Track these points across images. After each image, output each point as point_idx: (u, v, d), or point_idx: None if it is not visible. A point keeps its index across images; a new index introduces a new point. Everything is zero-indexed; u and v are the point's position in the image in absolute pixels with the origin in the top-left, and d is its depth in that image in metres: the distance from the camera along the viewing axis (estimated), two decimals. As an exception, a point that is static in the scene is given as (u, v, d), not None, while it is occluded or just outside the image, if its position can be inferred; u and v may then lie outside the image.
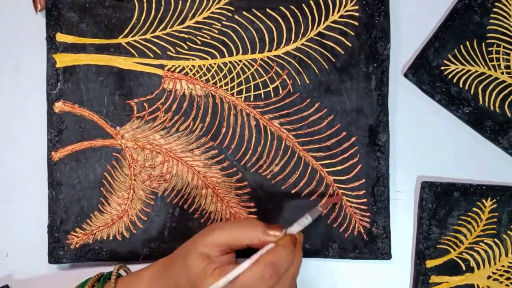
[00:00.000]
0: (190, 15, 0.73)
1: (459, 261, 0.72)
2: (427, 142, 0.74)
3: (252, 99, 0.73)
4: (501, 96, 0.73)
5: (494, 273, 0.72)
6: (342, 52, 0.73)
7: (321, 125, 0.73)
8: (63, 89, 0.72)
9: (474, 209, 0.72)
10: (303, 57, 0.73)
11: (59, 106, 0.72)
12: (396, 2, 0.74)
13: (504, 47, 0.73)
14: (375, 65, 0.73)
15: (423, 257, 0.72)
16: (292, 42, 0.73)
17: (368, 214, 0.73)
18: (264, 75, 0.73)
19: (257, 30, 0.73)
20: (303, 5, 0.73)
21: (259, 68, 0.73)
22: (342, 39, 0.73)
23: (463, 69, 0.73)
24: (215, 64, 0.73)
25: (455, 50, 0.73)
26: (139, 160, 0.72)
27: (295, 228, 0.61)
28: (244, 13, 0.73)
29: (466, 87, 0.73)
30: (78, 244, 0.72)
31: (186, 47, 0.73)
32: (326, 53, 0.73)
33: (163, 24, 0.73)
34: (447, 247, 0.72)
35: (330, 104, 0.73)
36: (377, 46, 0.73)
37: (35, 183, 0.73)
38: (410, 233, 0.74)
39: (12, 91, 0.74)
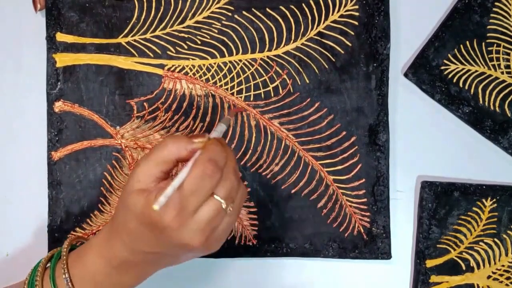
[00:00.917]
0: (190, 14, 0.73)
1: (459, 260, 0.72)
2: (427, 142, 0.74)
3: (252, 98, 0.73)
4: (501, 95, 0.73)
5: (494, 273, 0.72)
6: (342, 52, 0.73)
7: (321, 124, 0.73)
8: (63, 88, 0.72)
9: (474, 208, 0.72)
10: (303, 56, 0.73)
11: (59, 105, 0.72)
12: (396, 2, 0.74)
13: (504, 47, 0.73)
14: (375, 64, 0.73)
15: (423, 256, 0.72)
16: (292, 41, 0.73)
17: (368, 213, 0.73)
18: (264, 74, 0.73)
19: (257, 30, 0.73)
20: (303, 4, 0.73)
21: (259, 67, 0.73)
22: (342, 38, 0.73)
23: (463, 69, 0.73)
24: (215, 63, 0.73)
25: (455, 49, 0.73)
26: (139, 159, 0.72)
27: (216, 134, 0.60)
28: (244, 12, 0.73)
29: (466, 87, 0.73)
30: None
31: (186, 47, 0.73)
32: (326, 53, 0.73)
33: (163, 24, 0.73)
34: (447, 246, 0.72)
35: (330, 103, 0.73)
36: (377, 45, 0.73)
37: (35, 183, 0.73)
38: (410, 232, 0.74)
39: (12, 91, 0.74)
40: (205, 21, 0.73)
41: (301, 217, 0.73)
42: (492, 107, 0.73)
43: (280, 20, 0.73)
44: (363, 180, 0.73)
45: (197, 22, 0.73)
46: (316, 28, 0.73)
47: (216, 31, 0.73)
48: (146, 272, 0.62)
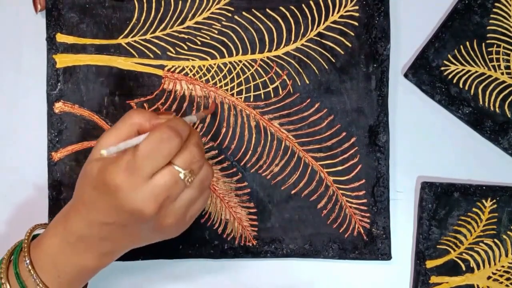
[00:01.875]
0: (190, 15, 0.73)
1: (459, 261, 0.72)
2: (427, 142, 0.74)
3: (252, 99, 0.73)
4: (501, 96, 0.73)
5: (494, 274, 0.72)
6: (342, 53, 0.73)
7: (321, 125, 0.73)
8: (63, 89, 0.72)
9: (474, 209, 0.72)
10: (303, 57, 0.73)
11: (59, 106, 0.72)
12: (396, 2, 0.74)
13: (504, 47, 0.73)
14: (375, 65, 0.73)
15: (423, 257, 0.72)
16: (292, 42, 0.73)
17: (368, 214, 0.73)
18: (264, 75, 0.73)
19: (257, 31, 0.73)
20: (303, 5, 0.73)
21: (259, 68, 0.73)
22: (342, 39, 0.73)
23: (463, 70, 0.73)
24: (215, 64, 0.73)
25: (455, 50, 0.73)
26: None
27: (186, 119, 0.60)
28: (244, 13, 0.73)
29: (466, 88, 0.73)
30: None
31: (186, 48, 0.73)
32: (326, 53, 0.73)
33: (163, 25, 0.73)
34: (447, 247, 0.72)
35: (330, 104, 0.73)
36: (377, 46, 0.73)
37: (35, 183, 0.73)
38: (410, 233, 0.74)
39: (12, 91, 0.74)
40: (205, 21, 0.73)
41: (301, 217, 0.73)
42: (492, 108, 0.73)
43: (280, 20, 0.73)
44: (363, 181, 0.73)
45: (197, 22, 0.73)
46: (316, 29, 0.73)
47: (216, 31, 0.73)
48: (106, 253, 0.60)
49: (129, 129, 0.57)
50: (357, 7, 0.73)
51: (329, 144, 0.73)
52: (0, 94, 0.74)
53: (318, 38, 0.73)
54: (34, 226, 0.64)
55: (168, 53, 0.73)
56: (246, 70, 0.73)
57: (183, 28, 0.73)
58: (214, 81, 0.73)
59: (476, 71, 0.73)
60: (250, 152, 0.73)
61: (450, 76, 0.73)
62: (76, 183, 0.60)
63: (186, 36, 0.73)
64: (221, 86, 0.73)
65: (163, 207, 0.55)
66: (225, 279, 0.74)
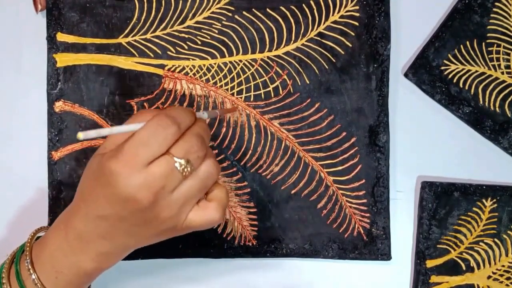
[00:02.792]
0: (191, 15, 0.73)
1: (459, 261, 0.72)
2: (427, 142, 0.74)
3: (252, 99, 0.73)
4: (501, 96, 0.73)
5: (494, 273, 0.72)
6: (342, 52, 0.73)
7: (321, 125, 0.73)
8: (63, 88, 0.72)
9: (474, 209, 0.72)
10: (303, 57, 0.73)
11: (59, 105, 0.72)
12: (396, 2, 0.74)
13: (504, 47, 0.73)
14: (375, 65, 0.73)
15: (423, 257, 0.72)
16: (292, 42, 0.73)
17: (368, 214, 0.73)
18: (264, 75, 0.73)
19: (257, 30, 0.73)
20: (304, 5, 0.73)
21: (259, 68, 0.73)
22: (343, 39, 0.73)
23: (463, 69, 0.73)
24: (215, 64, 0.73)
25: (455, 50, 0.73)
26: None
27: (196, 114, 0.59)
28: (244, 13, 0.73)
29: (466, 87, 0.73)
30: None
31: (186, 47, 0.73)
32: (326, 53, 0.73)
33: (164, 24, 0.73)
34: (447, 247, 0.72)
35: (330, 104, 0.73)
36: (378, 46, 0.73)
37: (35, 182, 0.73)
38: (410, 233, 0.73)
39: (12, 91, 0.74)
40: (206, 21, 0.73)
41: (301, 217, 0.73)
42: (492, 108, 0.73)
43: (281, 20, 0.73)
44: (363, 181, 0.73)
45: (197, 22, 0.73)
46: (317, 29, 0.73)
47: (216, 31, 0.73)
48: (104, 253, 0.59)
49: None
50: (357, 7, 0.73)
51: (329, 144, 0.73)
52: (0, 93, 0.74)
53: (319, 38, 0.73)
54: (39, 228, 0.64)
55: (169, 52, 0.73)
56: (246, 69, 0.73)
57: (184, 27, 0.73)
58: (214, 80, 0.73)
59: (476, 71, 0.73)
60: (250, 151, 0.73)
61: (450, 76, 0.73)
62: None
63: (186, 36, 0.73)
64: (221, 86, 0.73)
65: (158, 197, 0.54)
66: (224, 278, 0.73)
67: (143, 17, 0.73)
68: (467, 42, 0.73)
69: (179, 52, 0.73)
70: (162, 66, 0.73)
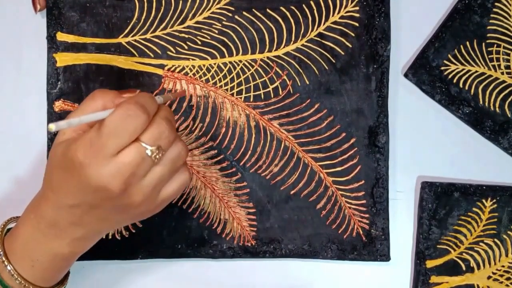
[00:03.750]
0: (191, 15, 0.73)
1: (459, 261, 0.72)
2: (427, 142, 0.74)
3: (251, 99, 0.73)
4: (501, 96, 0.73)
5: (494, 273, 0.71)
6: (342, 53, 0.73)
7: (320, 126, 0.73)
8: (63, 88, 0.72)
9: (474, 209, 0.72)
10: (303, 57, 0.73)
11: (59, 105, 0.72)
12: (396, 3, 0.74)
13: (504, 47, 0.73)
14: (375, 66, 0.73)
15: (423, 257, 0.72)
16: (292, 42, 0.73)
17: (367, 215, 0.72)
18: (264, 75, 0.73)
19: (257, 31, 0.73)
20: (304, 5, 0.73)
21: (259, 68, 0.73)
22: (342, 40, 0.73)
23: (463, 69, 0.73)
24: (215, 64, 0.73)
25: (455, 50, 0.73)
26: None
27: None
28: (245, 13, 0.73)
29: (466, 87, 0.73)
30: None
31: (186, 47, 0.73)
32: (326, 54, 0.73)
33: (164, 24, 0.73)
34: (447, 247, 0.72)
35: (330, 105, 0.73)
36: (377, 47, 0.73)
37: (35, 182, 0.73)
38: (410, 233, 0.73)
39: (12, 90, 0.74)
40: (206, 21, 0.73)
41: (300, 218, 0.73)
42: (492, 108, 0.73)
43: (281, 21, 0.73)
44: (363, 181, 0.73)
45: (197, 22, 0.73)
46: (317, 29, 0.73)
47: (216, 31, 0.73)
48: (79, 238, 0.58)
49: (93, 110, 0.55)
50: (357, 8, 0.73)
51: (328, 144, 0.73)
52: (0, 93, 0.74)
53: (319, 39, 0.73)
54: (8, 219, 0.63)
55: (168, 52, 0.73)
56: (246, 70, 0.73)
57: (184, 27, 0.73)
58: (214, 80, 0.73)
59: (476, 71, 0.73)
60: (249, 152, 0.73)
61: (450, 76, 0.73)
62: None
63: (186, 36, 0.73)
64: (221, 86, 0.73)
65: (129, 184, 0.53)
66: (223, 279, 0.73)
67: (143, 17, 0.73)
68: (467, 42, 0.73)
69: (179, 52, 0.73)
70: (162, 66, 0.73)
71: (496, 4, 0.73)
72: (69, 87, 0.72)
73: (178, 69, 0.73)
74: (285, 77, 0.73)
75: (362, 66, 0.73)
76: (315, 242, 0.72)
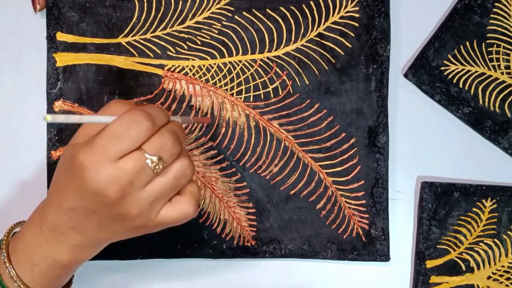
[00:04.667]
0: (190, 15, 0.73)
1: (459, 261, 0.72)
2: (427, 142, 0.74)
3: (251, 99, 0.73)
4: (501, 96, 0.72)
5: (494, 273, 0.71)
6: (342, 53, 0.73)
7: (320, 126, 0.73)
8: (63, 88, 0.72)
9: (474, 209, 0.72)
10: (303, 58, 0.73)
11: (59, 105, 0.72)
12: (396, 3, 0.74)
13: (504, 47, 0.73)
14: (375, 66, 0.73)
15: (423, 257, 0.72)
16: (292, 42, 0.73)
17: (366, 215, 0.72)
18: (264, 75, 0.73)
19: (257, 31, 0.73)
20: (303, 6, 0.73)
21: (258, 68, 0.73)
22: (342, 40, 0.73)
23: (463, 69, 0.73)
24: (215, 64, 0.73)
25: (455, 50, 0.73)
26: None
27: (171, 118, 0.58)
28: (244, 13, 0.73)
29: (466, 87, 0.73)
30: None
31: (186, 47, 0.73)
32: (326, 54, 0.73)
33: (163, 24, 0.73)
34: (447, 247, 0.72)
35: (329, 105, 0.73)
36: (377, 47, 0.73)
37: (35, 182, 0.73)
38: (409, 233, 0.73)
39: (12, 90, 0.74)
40: (205, 21, 0.73)
41: (300, 218, 0.73)
42: (492, 108, 0.73)
43: (280, 21, 0.73)
44: (362, 181, 0.73)
45: (197, 22, 0.73)
46: (316, 29, 0.73)
47: (216, 31, 0.73)
48: (77, 246, 0.58)
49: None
50: (357, 8, 0.73)
51: (328, 144, 0.73)
52: (0, 93, 0.74)
53: (318, 39, 0.73)
54: (16, 222, 0.64)
55: (168, 52, 0.73)
56: (246, 70, 0.73)
57: (183, 27, 0.73)
58: (214, 81, 0.73)
59: (476, 71, 0.73)
60: (249, 152, 0.73)
61: (450, 76, 0.73)
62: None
63: (186, 36, 0.73)
64: (220, 86, 0.73)
65: (127, 193, 0.53)
66: (223, 279, 0.73)
67: (143, 17, 0.73)
68: (467, 43, 0.73)
69: (179, 52, 0.73)
70: (161, 66, 0.73)
71: (496, 4, 0.73)
72: (69, 87, 0.72)
73: (178, 69, 0.73)
74: (285, 77, 0.73)
75: (362, 66, 0.73)
76: (315, 242, 0.72)
